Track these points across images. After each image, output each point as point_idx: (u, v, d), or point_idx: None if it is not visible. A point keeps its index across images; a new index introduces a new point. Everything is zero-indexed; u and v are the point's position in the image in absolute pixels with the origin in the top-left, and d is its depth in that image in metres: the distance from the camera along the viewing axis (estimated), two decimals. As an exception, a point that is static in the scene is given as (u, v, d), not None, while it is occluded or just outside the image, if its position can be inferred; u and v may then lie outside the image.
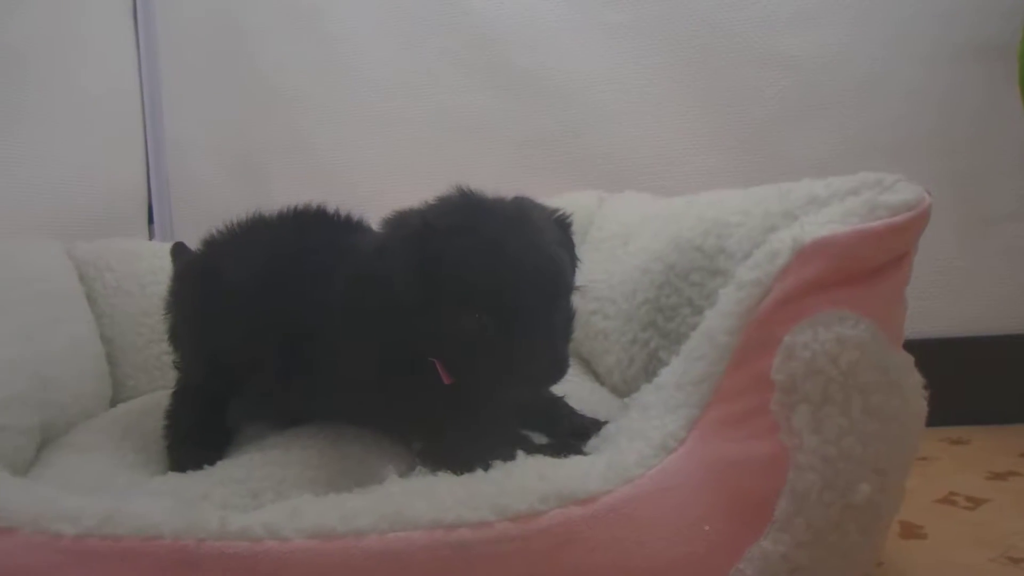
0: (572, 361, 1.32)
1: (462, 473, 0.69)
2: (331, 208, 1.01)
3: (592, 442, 0.82)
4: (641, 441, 0.69)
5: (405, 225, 0.82)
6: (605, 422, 0.93)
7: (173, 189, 1.84)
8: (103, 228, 1.63)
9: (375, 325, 0.82)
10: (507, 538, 0.61)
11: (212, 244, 1.05)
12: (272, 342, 0.92)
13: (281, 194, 1.76)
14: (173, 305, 1.07)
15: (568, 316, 0.84)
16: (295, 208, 1.02)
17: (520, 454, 0.70)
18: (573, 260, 0.87)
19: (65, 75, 1.62)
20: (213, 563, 0.59)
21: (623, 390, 1.12)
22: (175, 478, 0.86)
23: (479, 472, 0.68)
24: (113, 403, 1.33)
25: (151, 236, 1.82)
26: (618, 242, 1.31)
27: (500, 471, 0.67)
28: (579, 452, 0.78)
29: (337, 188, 1.73)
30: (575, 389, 1.07)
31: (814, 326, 0.66)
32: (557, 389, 1.01)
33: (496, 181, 1.71)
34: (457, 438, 0.80)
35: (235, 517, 0.61)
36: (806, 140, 1.59)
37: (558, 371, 0.78)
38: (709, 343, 0.71)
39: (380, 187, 1.74)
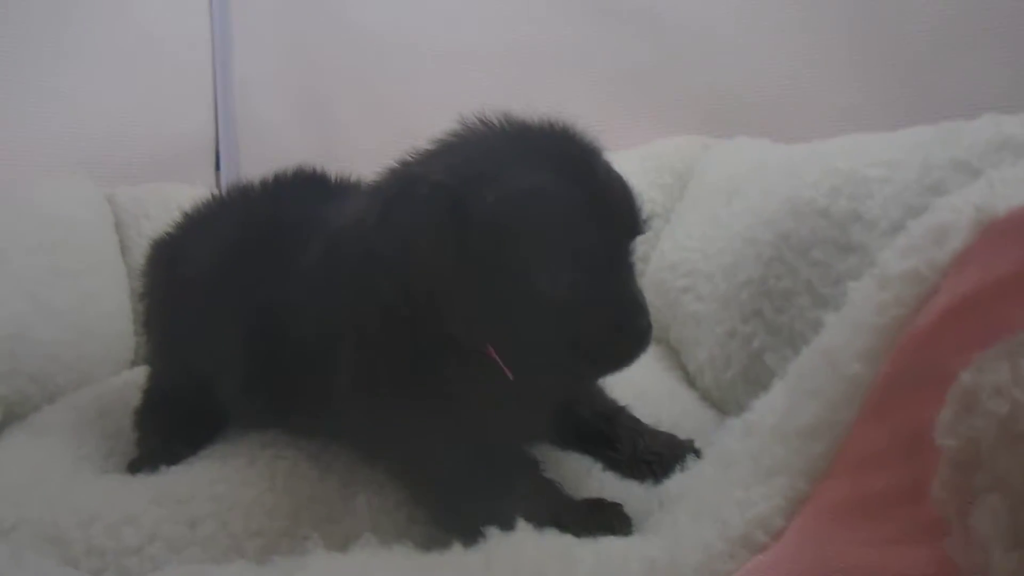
0: (656, 351, 1.08)
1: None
2: (326, 171, 0.82)
3: (645, 507, 0.56)
4: (711, 523, 0.44)
5: (417, 180, 0.60)
6: (689, 444, 0.70)
7: (240, 131, 1.72)
8: (166, 172, 1.52)
9: (385, 319, 0.62)
10: None
11: (189, 219, 0.87)
12: (234, 343, 0.73)
13: (349, 135, 1.64)
14: (143, 289, 0.89)
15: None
16: (278, 173, 0.83)
17: (522, 525, 0.46)
18: None
19: (130, 11, 1.51)
20: None
21: (716, 398, 0.86)
22: (108, 486, 0.71)
23: (454, 550, 0.45)
24: (134, 364, 1.19)
25: (217, 181, 1.71)
26: (721, 199, 1.03)
27: (481, 553, 0.43)
28: (620, 526, 0.53)
29: (406, 128, 1.55)
30: (651, 388, 0.83)
31: (1015, 357, 0.38)
32: (627, 393, 0.77)
33: (583, 120, 1.48)
34: (457, 476, 0.59)
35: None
36: (977, 72, 1.21)
37: (649, 335, 0.61)
38: (830, 371, 0.45)
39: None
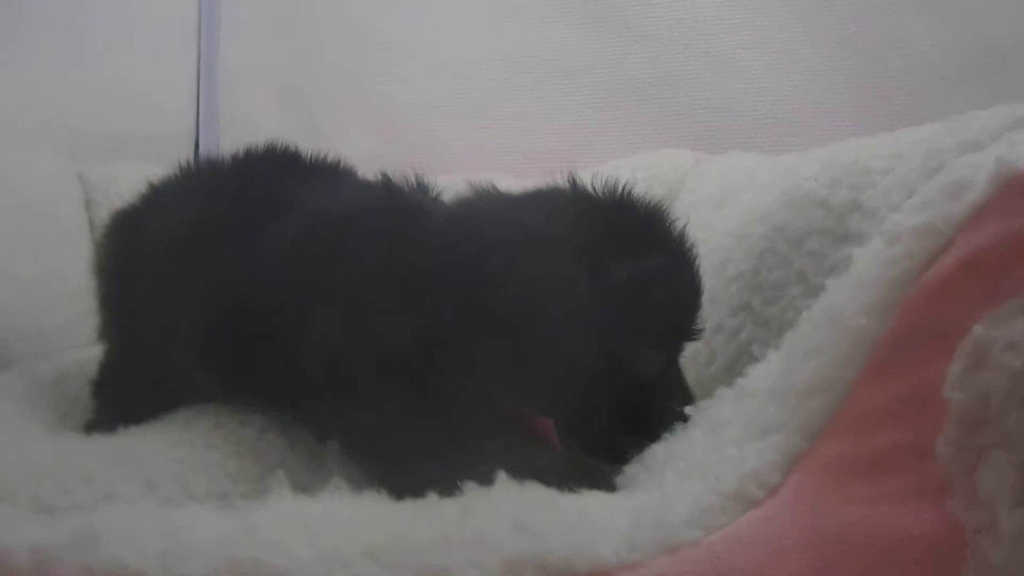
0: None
1: (403, 495, 0.43)
2: (299, 148, 0.79)
3: (631, 470, 0.54)
4: (702, 481, 0.41)
5: (551, 241, 0.56)
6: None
7: (222, 119, 1.67)
8: (143, 153, 1.43)
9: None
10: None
11: (154, 191, 0.82)
12: (195, 316, 0.70)
13: (336, 132, 1.59)
14: (99, 260, 0.84)
15: None
16: (249, 148, 0.79)
17: (501, 477, 0.43)
18: None
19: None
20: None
21: (699, 395, 0.84)
22: (61, 445, 0.66)
23: (429, 499, 0.42)
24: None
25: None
26: (711, 205, 1.02)
27: (458, 503, 0.41)
28: (605, 485, 0.50)
29: (398, 133, 1.54)
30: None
31: (1030, 313, 0.37)
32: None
33: (576, 132, 1.45)
34: (415, 438, 0.55)
35: None
36: (974, 102, 1.21)
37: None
38: (832, 327, 0.43)
39: (445, 133, 1.51)
